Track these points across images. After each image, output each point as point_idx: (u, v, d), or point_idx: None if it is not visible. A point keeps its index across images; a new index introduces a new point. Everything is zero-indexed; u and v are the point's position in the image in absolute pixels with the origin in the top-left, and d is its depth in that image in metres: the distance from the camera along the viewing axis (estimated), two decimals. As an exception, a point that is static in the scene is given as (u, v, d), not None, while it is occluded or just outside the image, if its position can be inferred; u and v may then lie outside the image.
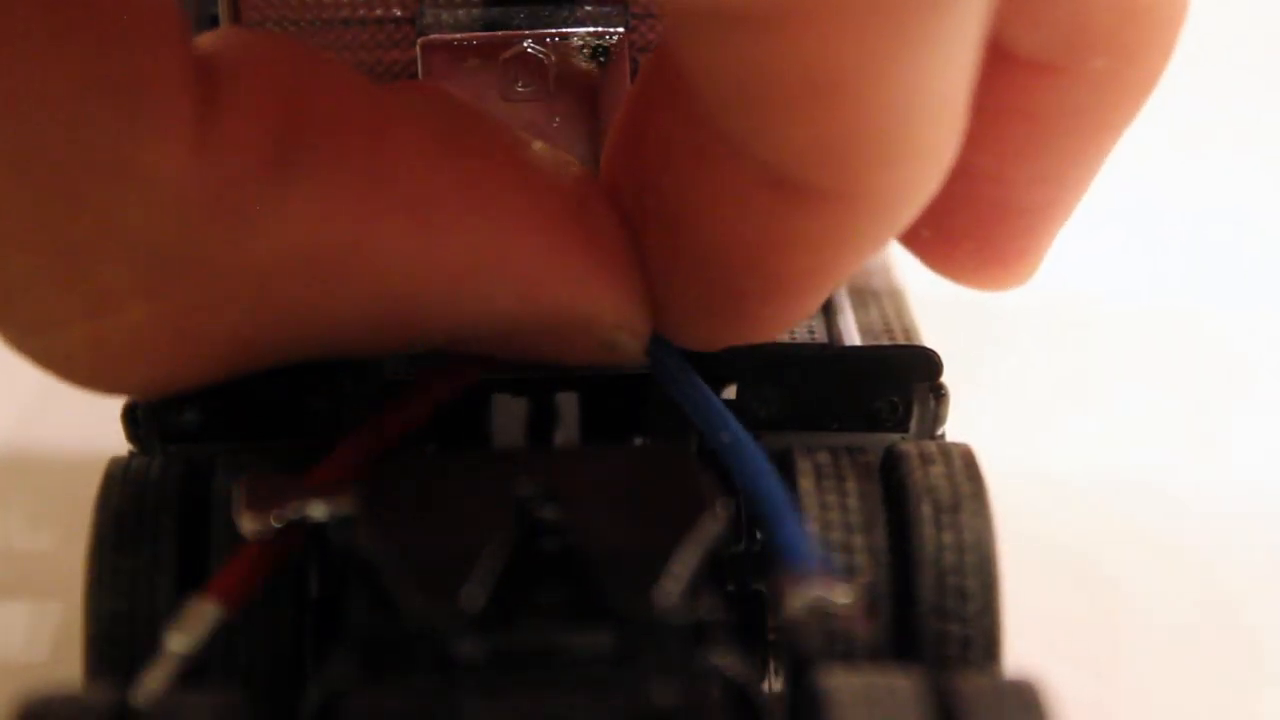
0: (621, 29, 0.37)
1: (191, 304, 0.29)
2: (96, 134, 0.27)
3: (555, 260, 0.31)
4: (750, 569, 0.34)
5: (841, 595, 0.28)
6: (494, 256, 0.30)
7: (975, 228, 0.36)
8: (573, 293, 0.31)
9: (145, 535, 0.31)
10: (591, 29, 0.37)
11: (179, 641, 0.29)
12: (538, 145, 0.32)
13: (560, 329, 0.32)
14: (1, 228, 0.28)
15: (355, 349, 0.32)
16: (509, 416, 0.37)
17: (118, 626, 0.30)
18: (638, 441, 0.37)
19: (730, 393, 0.37)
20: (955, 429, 0.35)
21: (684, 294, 0.32)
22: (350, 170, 0.29)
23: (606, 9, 0.38)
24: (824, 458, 0.32)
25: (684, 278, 0.32)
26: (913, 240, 0.37)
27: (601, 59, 0.37)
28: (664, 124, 0.31)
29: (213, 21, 0.39)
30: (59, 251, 0.28)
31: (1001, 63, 0.32)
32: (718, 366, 0.36)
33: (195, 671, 0.30)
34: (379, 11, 0.38)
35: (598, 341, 0.32)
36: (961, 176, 0.30)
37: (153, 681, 0.29)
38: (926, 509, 0.31)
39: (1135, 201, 0.59)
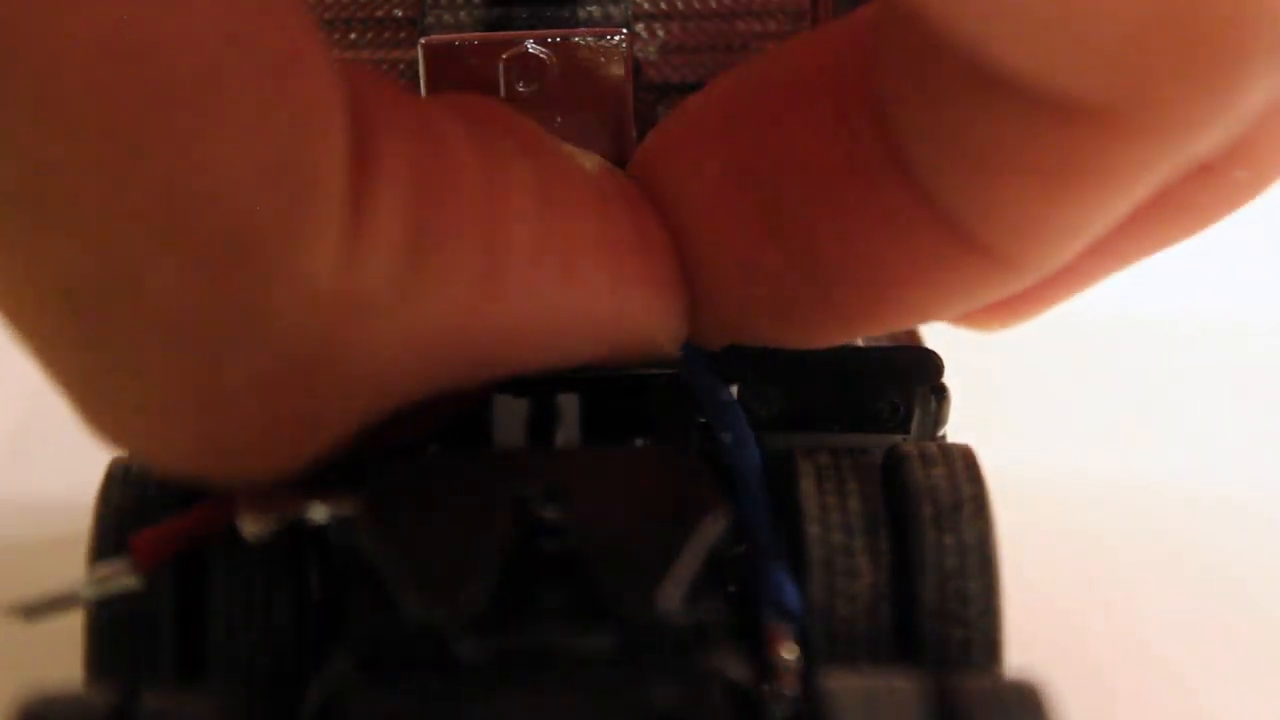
0: (624, 29, 0.37)
1: (313, 402, 0.27)
2: (263, 227, 0.25)
3: (626, 296, 0.31)
4: (749, 572, 0.34)
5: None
6: (578, 308, 0.30)
7: None
8: (640, 323, 0.31)
9: None
10: (593, 30, 0.37)
11: (85, 586, 0.30)
12: (590, 161, 0.32)
13: (618, 352, 0.32)
14: (134, 310, 0.26)
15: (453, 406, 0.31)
16: (510, 417, 0.37)
17: (118, 630, 0.30)
18: (639, 443, 0.37)
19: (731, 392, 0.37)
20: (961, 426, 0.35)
21: (768, 305, 0.32)
22: (469, 251, 0.28)
23: (609, 8, 0.38)
24: (825, 459, 0.32)
25: (785, 292, 0.31)
26: None
27: (603, 60, 0.37)
28: (826, 151, 0.30)
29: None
30: (187, 342, 0.26)
31: None
32: (719, 367, 0.36)
33: (196, 672, 0.30)
34: (380, 12, 0.38)
35: (644, 351, 0.32)
36: None
37: (34, 607, 0.29)
38: (927, 510, 0.31)
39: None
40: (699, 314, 0.32)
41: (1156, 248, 0.34)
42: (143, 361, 0.26)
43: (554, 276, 0.29)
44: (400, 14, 0.38)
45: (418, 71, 0.37)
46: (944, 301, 0.31)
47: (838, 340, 0.33)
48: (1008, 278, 0.30)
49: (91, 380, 0.27)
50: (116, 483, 0.32)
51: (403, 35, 0.39)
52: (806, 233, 0.31)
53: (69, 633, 0.31)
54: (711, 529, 0.29)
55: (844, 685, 0.28)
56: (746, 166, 0.31)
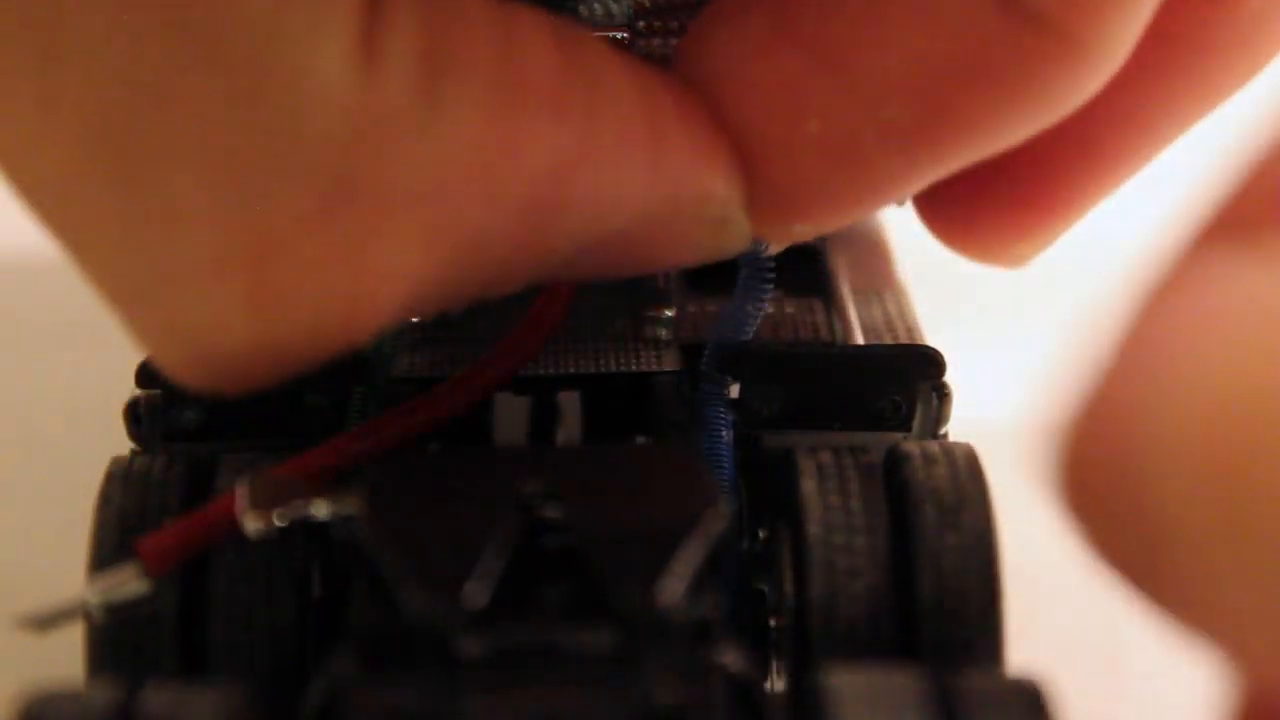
0: (626, 27, 0.37)
1: (362, 234, 0.27)
2: (285, 32, 0.25)
3: (664, 142, 0.30)
4: (753, 567, 0.34)
5: None
6: (609, 155, 0.29)
7: (1022, 186, 0.35)
8: (683, 175, 0.30)
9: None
10: (595, 27, 0.37)
11: (94, 594, 0.29)
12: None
13: (678, 215, 0.30)
14: (165, 133, 0.25)
15: (511, 274, 0.30)
16: (511, 415, 0.37)
17: (119, 628, 0.30)
18: (640, 440, 0.37)
19: (733, 391, 0.37)
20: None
21: (821, 146, 0.30)
22: (489, 76, 0.27)
23: (610, 6, 0.38)
24: (826, 458, 0.32)
25: (837, 123, 0.30)
26: (941, 197, 0.34)
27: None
28: None
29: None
30: (222, 170, 0.25)
31: None
32: (720, 365, 0.36)
33: (198, 670, 0.30)
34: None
35: (711, 223, 0.31)
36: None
37: (42, 619, 0.29)
38: (929, 510, 0.31)
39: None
40: (756, 187, 0.31)
41: (1182, 117, 0.33)
42: (182, 198, 0.25)
43: (579, 118, 0.28)
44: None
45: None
46: (1008, 106, 0.29)
47: (904, 186, 0.31)
48: (1078, 67, 0.29)
49: (132, 238, 0.26)
50: (117, 482, 0.32)
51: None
52: (851, 41, 0.30)
53: (70, 631, 0.31)
54: (712, 525, 0.29)
55: (844, 682, 0.28)
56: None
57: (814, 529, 0.31)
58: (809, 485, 0.32)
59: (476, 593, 0.28)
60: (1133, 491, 0.24)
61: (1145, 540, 0.25)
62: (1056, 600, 0.43)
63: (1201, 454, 0.23)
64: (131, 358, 0.35)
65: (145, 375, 0.35)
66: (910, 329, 0.38)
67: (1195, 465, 0.23)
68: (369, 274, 0.27)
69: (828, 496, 0.32)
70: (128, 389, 0.35)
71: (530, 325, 0.36)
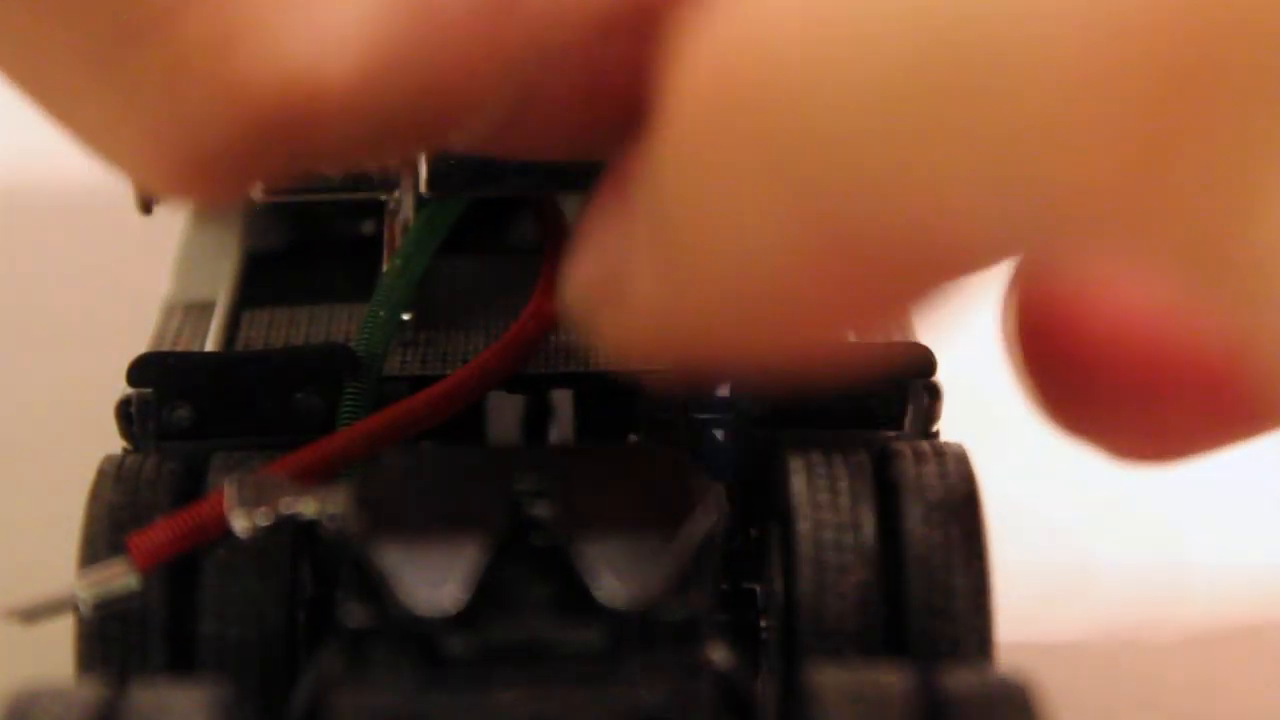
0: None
1: None
2: None
3: None
4: (742, 566, 0.34)
5: None
6: None
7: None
8: None
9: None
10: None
11: (83, 588, 0.29)
12: None
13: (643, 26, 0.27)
14: None
15: (470, 67, 0.27)
16: (504, 413, 0.37)
17: (108, 625, 0.30)
18: (631, 439, 0.37)
19: (724, 390, 0.37)
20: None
21: None
22: None
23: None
24: (816, 455, 0.32)
25: None
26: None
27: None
28: None
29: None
30: None
31: None
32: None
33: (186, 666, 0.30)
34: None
35: None
36: None
37: (31, 611, 0.29)
38: (918, 508, 0.31)
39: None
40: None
41: None
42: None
43: None
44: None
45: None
46: None
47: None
48: None
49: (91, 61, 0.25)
50: (108, 480, 0.32)
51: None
52: None
53: (59, 627, 0.31)
54: (701, 524, 0.29)
55: (830, 680, 0.28)
56: None
57: (803, 525, 0.31)
58: (798, 483, 0.32)
59: (462, 591, 0.28)
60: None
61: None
62: (1052, 599, 0.43)
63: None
64: (124, 357, 0.35)
65: (136, 374, 0.35)
66: (902, 326, 0.38)
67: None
68: (320, 26, 0.25)
69: (817, 494, 0.32)
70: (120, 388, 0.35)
71: (527, 322, 0.36)
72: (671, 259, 0.26)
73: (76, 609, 0.30)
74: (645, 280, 0.27)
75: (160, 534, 0.30)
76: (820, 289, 0.25)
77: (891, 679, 0.28)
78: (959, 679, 0.28)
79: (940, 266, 0.25)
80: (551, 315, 0.37)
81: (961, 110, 0.22)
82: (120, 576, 0.30)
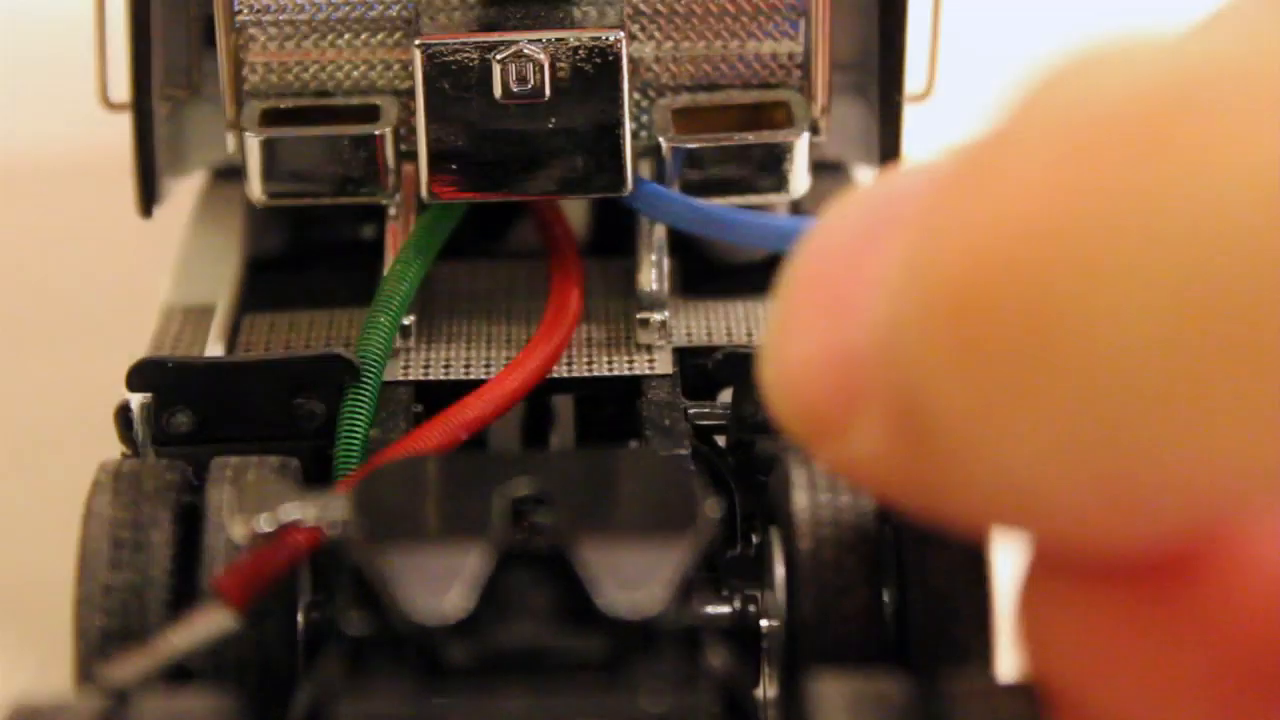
0: (619, 30, 0.37)
1: None
2: None
3: None
4: (744, 573, 0.34)
5: None
6: None
7: None
8: None
9: (138, 553, 0.31)
10: (588, 30, 0.37)
11: (181, 638, 0.29)
12: None
13: None
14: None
15: None
16: (505, 418, 0.37)
17: (108, 646, 0.30)
18: (633, 445, 0.37)
19: (725, 396, 0.37)
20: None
21: None
22: None
23: (603, 9, 0.38)
24: (819, 466, 0.32)
25: None
26: None
27: (598, 61, 0.37)
28: None
29: (206, 21, 0.39)
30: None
31: None
32: (713, 370, 0.36)
33: (183, 675, 0.30)
34: (375, 13, 0.38)
35: None
36: None
37: (133, 670, 0.29)
38: (919, 526, 0.31)
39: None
40: None
41: None
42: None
43: None
44: (395, 14, 0.38)
45: (413, 72, 0.37)
46: None
47: None
48: None
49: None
50: (106, 491, 0.32)
51: (398, 36, 0.39)
52: None
53: (60, 637, 0.31)
54: (702, 531, 0.29)
55: (830, 688, 0.28)
56: None
57: (805, 545, 0.31)
58: (801, 499, 0.32)
59: (463, 598, 0.28)
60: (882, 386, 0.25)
61: (903, 436, 0.25)
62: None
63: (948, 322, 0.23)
64: (123, 360, 0.35)
65: (136, 379, 0.35)
66: None
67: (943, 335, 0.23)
68: None
69: (819, 511, 0.31)
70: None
71: (550, 329, 0.36)
72: (916, 442, 0.25)
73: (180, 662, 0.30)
74: (878, 441, 0.26)
75: (245, 573, 0.30)
76: (1073, 500, 0.24)
77: (891, 686, 0.28)
78: (960, 686, 0.28)
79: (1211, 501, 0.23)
80: (577, 314, 0.37)
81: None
82: (216, 620, 0.30)
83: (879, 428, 0.26)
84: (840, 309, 0.26)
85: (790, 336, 0.26)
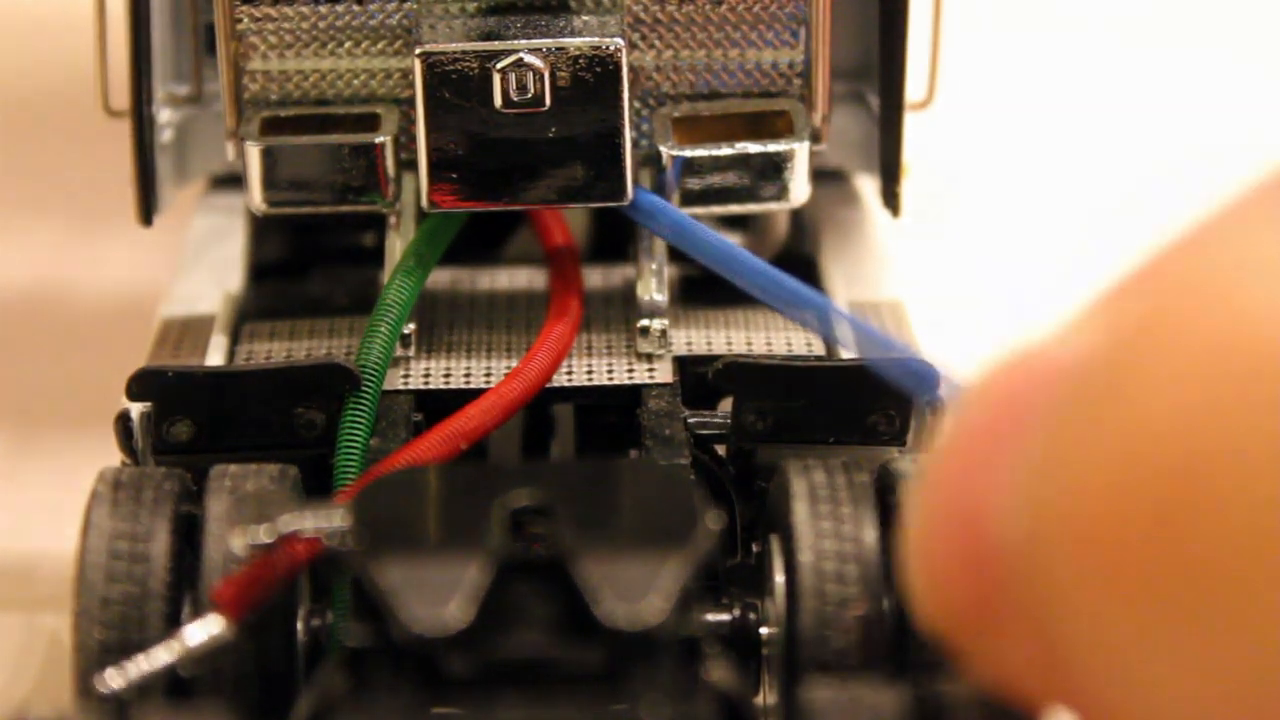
0: (619, 39, 0.37)
1: None
2: None
3: None
4: (744, 583, 0.34)
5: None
6: None
7: None
8: None
9: (136, 565, 0.31)
10: (588, 39, 0.37)
11: (174, 650, 0.29)
12: None
13: None
14: None
15: None
16: (505, 427, 0.37)
17: (107, 658, 0.30)
18: (633, 454, 0.37)
19: (726, 405, 0.37)
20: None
21: None
22: None
23: (603, 18, 0.38)
24: (819, 477, 0.32)
25: None
26: None
27: (598, 69, 0.37)
28: None
29: (207, 30, 0.39)
30: None
31: None
32: (713, 380, 0.36)
33: (182, 689, 0.30)
34: (375, 22, 0.38)
35: None
36: None
37: (131, 681, 0.29)
38: None
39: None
40: None
41: None
42: None
43: None
44: (395, 23, 0.38)
45: (413, 81, 0.37)
46: None
47: None
48: None
49: None
50: (105, 494, 0.32)
51: (398, 45, 0.39)
52: None
53: (57, 649, 0.31)
54: (702, 541, 0.29)
55: (825, 696, 0.28)
56: None
57: (805, 558, 0.31)
58: (801, 509, 0.31)
59: (463, 609, 0.28)
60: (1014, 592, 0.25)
61: (1039, 637, 0.25)
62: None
63: (1094, 538, 0.23)
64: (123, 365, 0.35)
65: (136, 388, 0.35)
66: (907, 343, 0.38)
67: (1088, 550, 0.23)
68: None
69: (820, 522, 0.31)
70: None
71: (550, 338, 0.36)
72: (1060, 662, 0.25)
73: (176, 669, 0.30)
74: (1020, 650, 0.25)
75: (241, 585, 0.30)
76: None
77: (887, 695, 0.28)
78: (955, 694, 0.28)
79: None
80: (577, 322, 0.37)
81: None
82: (215, 631, 0.30)
83: (1021, 637, 0.25)
84: (976, 513, 0.25)
85: (931, 536, 0.26)
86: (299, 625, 0.31)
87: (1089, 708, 0.25)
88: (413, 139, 0.37)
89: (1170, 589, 0.23)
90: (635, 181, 0.38)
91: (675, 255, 0.39)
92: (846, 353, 0.37)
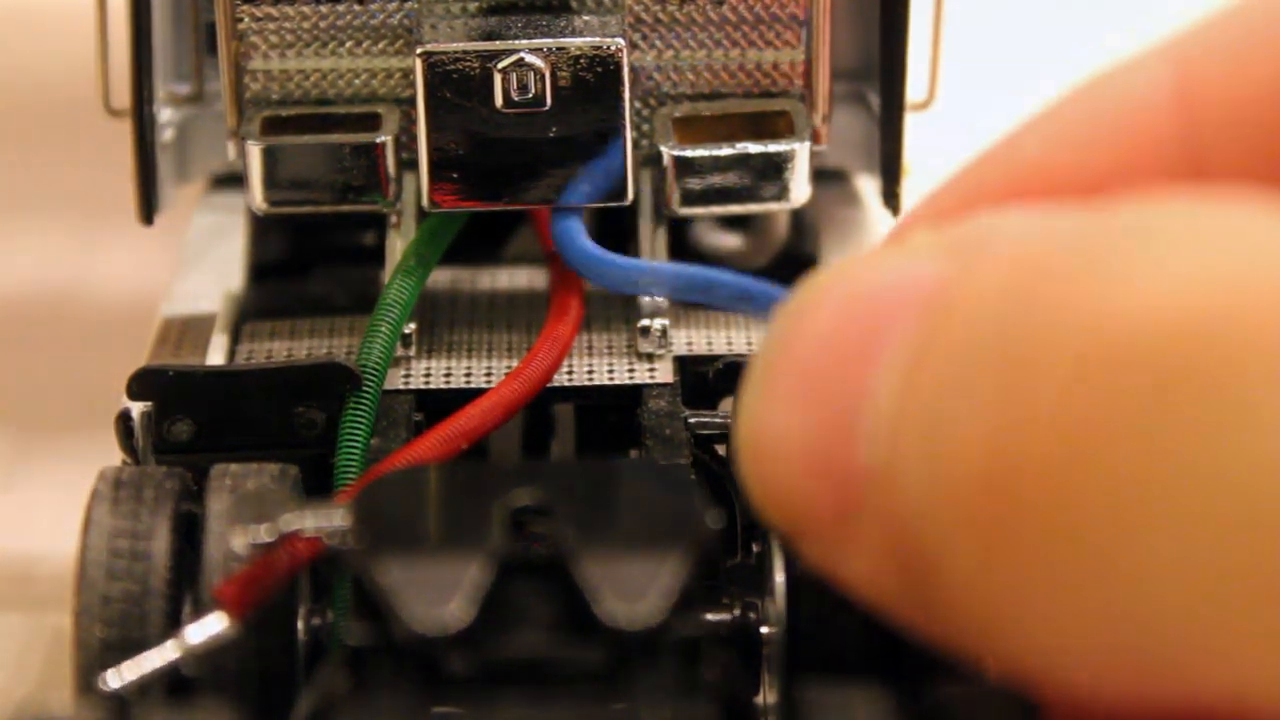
0: (620, 39, 0.37)
1: None
2: None
3: None
4: (744, 583, 0.34)
5: None
6: None
7: None
8: None
9: (137, 563, 0.31)
10: (589, 39, 0.37)
11: (181, 647, 0.29)
12: None
13: None
14: None
15: None
16: (506, 426, 0.37)
17: (108, 656, 0.30)
18: (633, 454, 0.37)
19: (726, 405, 0.37)
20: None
21: None
22: None
23: (604, 18, 0.38)
24: (801, 562, 0.32)
25: None
26: None
27: (599, 69, 0.37)
28: None
29: (208, 29, 0.39)
30: None
31: None
32: (714, 379, 0.36)
33: (183, 688, 0.30)
34: (376, 21, 0.38)
35: None
36: None
37: (133, 679, 0.29)
38: None
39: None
40: None
41: None
42: None
43: None
44: (396, 23, 0.38)
45: (414, 80, 0.37)
46: None
47: None
48: None
49: None
50: (106, 493, 0.32)
51: (399, 45, 0.39)
52: None
53: (59, 648, 0.31)
54: (702, 541, 0.29)
55: (820, 696, 0.28)
56: None
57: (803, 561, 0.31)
58: None
59: (464, 609, 0.28)
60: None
61: (901, 567, 0.25)
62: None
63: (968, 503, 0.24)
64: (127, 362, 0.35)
65: (137, 387, 0.35)
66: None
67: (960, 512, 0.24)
68: None
69: None
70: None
71: (551, 338, 0.36)
72: (915, 576, 0.26)
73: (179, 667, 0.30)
74: (870, 561, 0.26)
75: (242, 584, 0.30)
76: (1083, 667, 0.24)
77: (883, 695, 0.28)
78: (951, 692, 0.28)
79: None
80: (578, 321, 0.37)
81: None
82: (216, 629, 0.30)
83: (874, 550, 0.26)
84: (834, 412, 0.26)
85: (773, 412, 0.26)
86: (299, 624, 0.31)
87: (939, 629, 0.26)
88: (413, 138, 0.37)
89: (1049, 548, 0.23)
90: (636, 182, 0.38)
91: (676, 255, 0.39)
92: None
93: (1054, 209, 0.25)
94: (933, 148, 0.43)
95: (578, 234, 0.37)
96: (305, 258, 0.42)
